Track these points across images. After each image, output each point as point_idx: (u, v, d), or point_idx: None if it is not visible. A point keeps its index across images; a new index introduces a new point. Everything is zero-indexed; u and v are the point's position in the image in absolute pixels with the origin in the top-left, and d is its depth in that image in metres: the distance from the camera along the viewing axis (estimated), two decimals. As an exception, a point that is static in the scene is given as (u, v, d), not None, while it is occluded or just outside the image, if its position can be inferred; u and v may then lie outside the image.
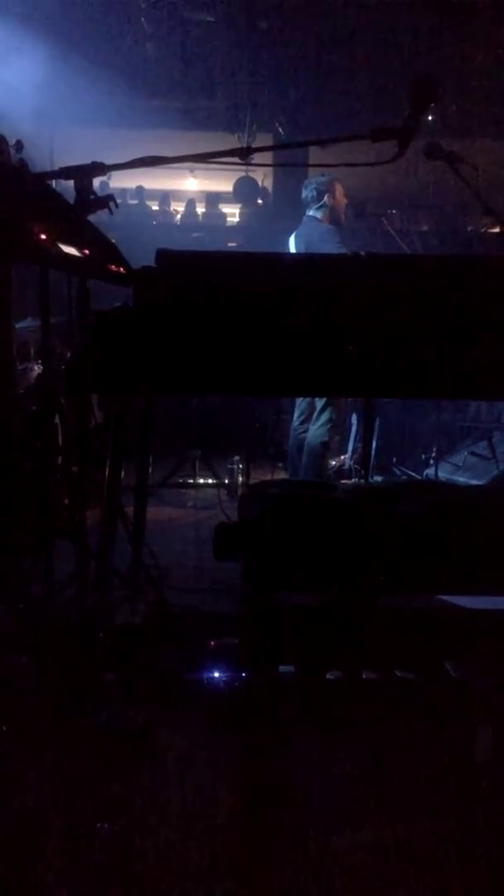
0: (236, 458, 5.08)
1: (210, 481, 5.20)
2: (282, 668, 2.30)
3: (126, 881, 1.59)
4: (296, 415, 4.66)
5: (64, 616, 2.35)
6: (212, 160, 2.07)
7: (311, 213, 4.45)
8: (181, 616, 2.77)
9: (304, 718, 2.08)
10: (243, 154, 2.09)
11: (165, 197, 9.89)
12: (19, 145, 2.73)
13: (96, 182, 2.08)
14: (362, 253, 2.08)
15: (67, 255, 2.14)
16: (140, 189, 9.55)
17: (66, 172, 2.04)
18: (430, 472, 4.92)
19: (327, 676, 2.24)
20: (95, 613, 2.17)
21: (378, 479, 4.94)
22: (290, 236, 4.55)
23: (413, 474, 5.11)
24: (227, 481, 5.06)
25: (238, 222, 9.38)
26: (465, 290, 1.97)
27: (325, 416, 4.40)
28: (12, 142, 2.74)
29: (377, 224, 5.28)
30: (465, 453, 4.96)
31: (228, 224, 9.47)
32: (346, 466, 5.27)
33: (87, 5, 6.44)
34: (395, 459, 5.31)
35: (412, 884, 1.60)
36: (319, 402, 4.43)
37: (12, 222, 2.03)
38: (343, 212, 4.49)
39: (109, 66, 6.80)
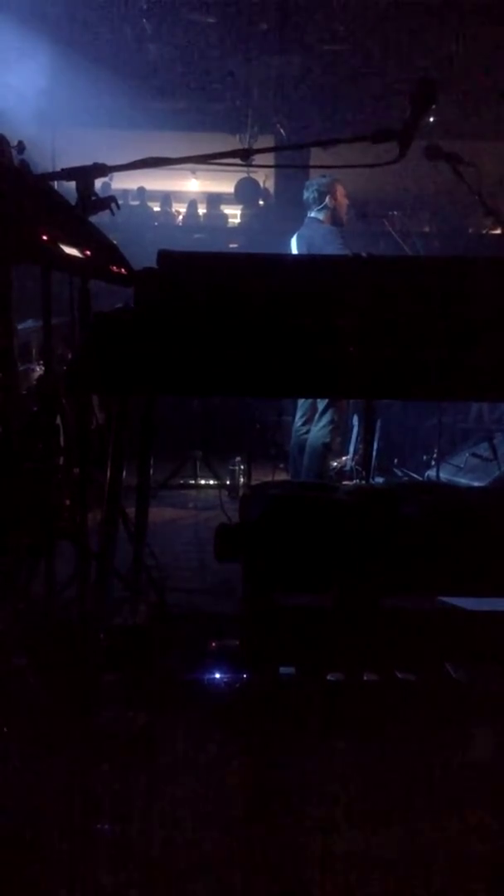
0: (237, 458, 5.08)
1: (211, 482, 5.20)
2: (282, 669, 2.30)
3: (126, 882, 1.59)
4: (297, 416, 4.66)
5: (64, 617, 2.35)
6: (213, 161, 2.07)
7: (312, 214, 4.46)
8: (182, 617, 2.77)
9: (304, 719, 2.08)
10: (245, 155, 2.09)
11: (167, 198, 9.90)
12: (21, 146, 2.73)
13: (98, 183, 2.08)
14: (364, 254, 2.08)
15: (69, 255, 2.14)
16: (141, 190, 9.55)
17: (67, 174, 2.04)
18: (431, 473, 4.92)
19: (328, 677, 2.23)
20: (96, 614, 2.17)
21: (379, 480, 4.94)
22: (291, 237, 4.55)
23: (414, 476, 5.11)
24: (228, 482, 5.06)
25: (239, 223, 9.39)
26: (467, 291, 1.97)
27: (326, 418, 4.40)
28: (14, 143, 2.74)
29: (379, 225, 5.28)
30: (467, 455, 4.96)
31: (230, 225, 9.48)
32: (348, 468, 5.27)
33: (89, 7, 6.45)
34: (396, 461, 5.31)
35: (412, 884, 1.60)
36: (321, 404, 4.43)
37: (14, 223, 2.03)
38: (345, 213, 4.49)
39: (111, 67, 6.81)
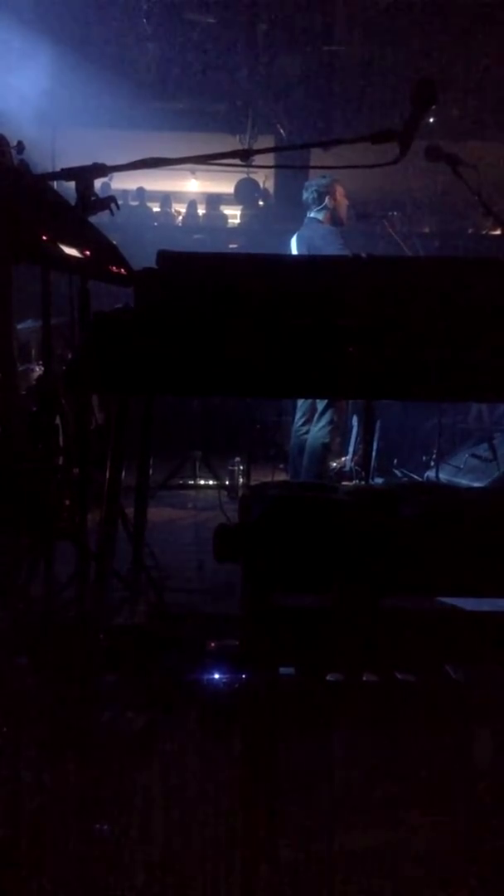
0: (237, 459, 5.08)
1: (210, 482, 5.20)
2: (282, 670, 2.30)
3: (125, 882, 1.59)
4: (297, 416, 4.66)
5: (64, 617, 2.35)
6: (213, 162, 2.06)
7: (312, 214, 4.46)
8: (181, 617, 2.77)
9: (304, 720, 2.08)
10: (244, 156, 2.08)
11: (167, 198, 9.90)
12: (21, 147, 2.73)
13: (98, 183, 2.08)
14: (363, 255, 2.08)
15: (68, 256, 2.14)
16: (141, 190, 9.55)
17: (67, 174, 2.04)
18: (430, 474, 4.92)
19: (328, 678, 2.23)
20: (95, 614, 2.17)
21: (379, 480, 4.94)
22: (291, 238, 4.55)
23: (414, 476, 5.11)
24: (227, 482, 5.06)
25: (239, 224, 9.39)
26: (467, 292, 1.97)
27: (326, 418, 4.40)
28: (14, 143, 2.74)
29: (378, 226, 5.28)
30: (466, 455, 4.96)
31: (230, 225, 9.48)
32: (347, 468, 5.27)
33: (89, 7, 6.45)
34: (395, 461, 5.31)
35: (412, 884, 1.60)
36: (321, 404, 4.43)
37: (14, 223, 2.04)
38: (345, 213, 4.49)
39: (111, 67, 6.82)
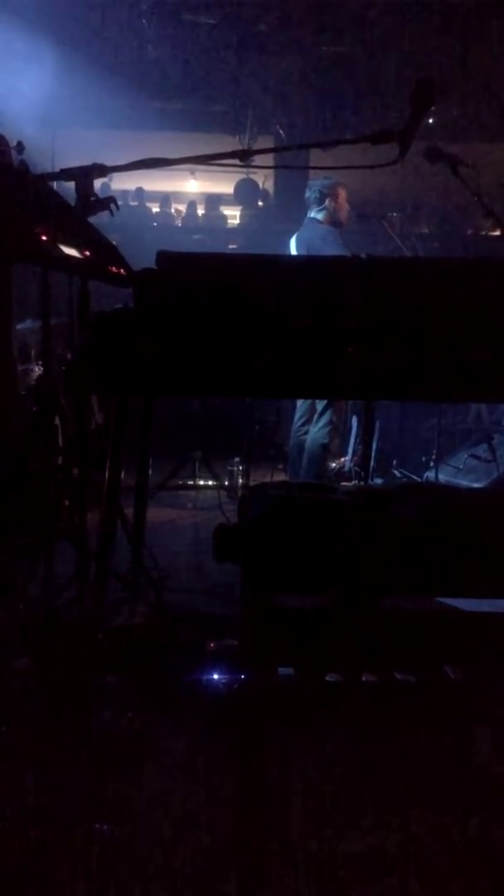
0: (236, 459, 5.08)
1: (210, 483, 5.20)
2: (281, 670, 2.30)
3: (125, 882, 1.59)
4: (296, 417, 4.67)
5: (63, 617, 2.35)
6: (213, 162, 2.07)
7: (312, 214, 4.46)
8: (180, 617, 2.77)
9: (303, 720, 2.08)
10: (244, 156, 2.09)
11: (166, 199, 9.90)
12: (20, 147, 2.73)
13: (97, 184, 2.08)
14: (363, 255, 2.08)
15: (68, 256, 2.14)
16: (140, 191, 9.56)
17: (67, 174, 2.04)
18: (430, 474, 4.92)
19: (327, 678, 2.23)
20: (95, 614, 2.17)
21: (378, 481, 4.94)
22: (290, 238, 4.56)
23: (413, 477, 5.11)
24: (227, 483, 5.06)
25: (239, 224, 9.39)
26: (466, 292, 1.97)
27: (325, 418, 4.41)
28: (14, 143, 2.74)
29: (378, 226, 5.28)
30: (466, 456, 4.96)
31: (229, 226, 9.48)
32: (347, 468, 5.28)
33: (88, 7, 6.45)
34: (395, 462, 5.31)
35: (412, 885, 1.60)
36: (320, 405, 4.43)
37: (13, 223, 2.04)
38: (346, 216, 4.49)
39: (110, 68, 6.81)
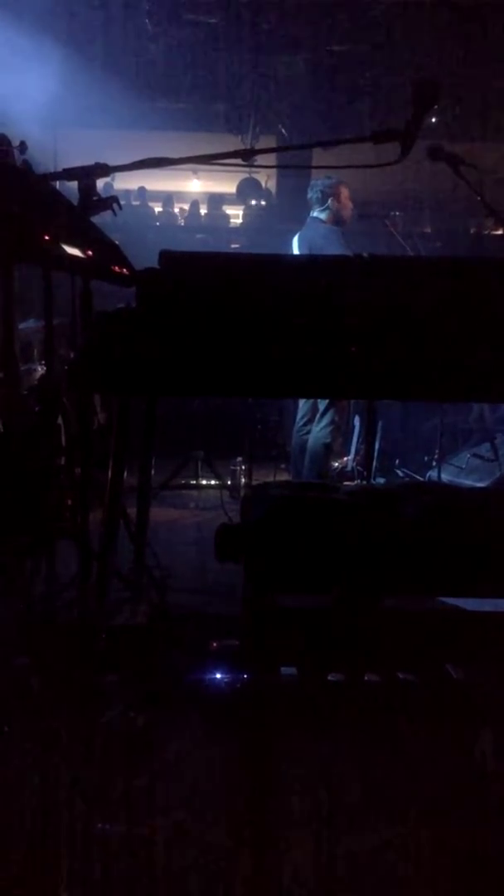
0: (239, 459, 5.08)
1: (212, 482, 5.20)
2: (283, 670, 2.30)
3: (127, 882, 1.59)
4: (299, 416, 4.66)
5: (66, 617, 2.35)
6: (215, 161, 2.06)
7: (314, 214, 4.46)
8: (183, 617, 2.77)
9: (305, 720, 2.08)
10: (246, 155, 2.09)
11: (169, 198, 9.90)
12: (23, 146, 2.73)
13: (100, 183, 2.08)
14: (365, 254, 2.08)
15: (71, 256, 2.14)
16: (143, 190, 9.56)
17: (69, 174, 2.04)
18: (432, 474, 4.91)
19: (329, 678, 2.23)
20: (97, 614, 2.17)
21: (380, 481, 4.94)
22: (293, 237, 4.55)
23: (416, 476, 5.10)
24: (229, 482, 5.05)
25: (241, 224, 9.39)
26: (468, 292, 1.97)
27: (327, 418, 4.40)
28: (16, 143, 2.74)
29: (380, 226, 5.27)
30: (468, 455, 4.95)
31: (231, 225, 9.48)
32: (349, 468, 5.27)
33: (91, 7, 6.46)
34: (397, 461, 5.30)
35: (413, 885, 1.60)
36: (322, 404, 4.43)
37: (16, 223, 2.04)
38: (348, 215, 4.49)
39: (113, 67, 6.82)
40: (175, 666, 2.40)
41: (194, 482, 5.27)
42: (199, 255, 2.15)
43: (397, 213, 6.48)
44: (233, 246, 7.97)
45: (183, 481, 5.21)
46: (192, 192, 10.25)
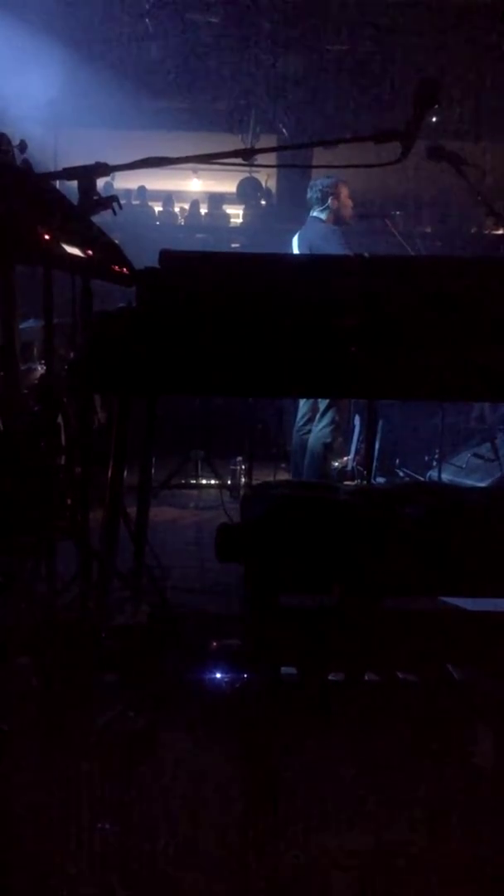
0: (239, 458, 5.08)
1: (213, 482, 5.20)
2: (284, 670, 2.30)
3: (127, 881, 1.59)
4: (299, 416, 4.66)
5: (66, 616, 2.35)
6: (215, 161, 2.06)
7: (314, 213, 4.46)
8: (183, 617, 2.77)
9: (305, 720, 2.08)
10: (247, 155, 2.09)
11: (169, 198, 9.90)
12: (23, 146, 2.73)
13: (100, 183, 2.08)
14: (365, 254, 2.08)
15: (71, 255, 2.14)
16: (143, 190, 9.55)
17: (69, 173, 2.04)
18: (433, 473, 4.91)
19: (329, 678, 2.23)
20: (97, 614, 2.17)
21: (381, 480, 4.94)
22: (293, 237, 4.55)
23: (416, 476, 5.10)
24: (229, 482, 5.05)
25: (241, 223, 9.39)
26: (468, 291, 1.97)
27: (328, 418, 4.40)
28: (16, 142, 2.74)
29: (380, 225, 5.27)
30: (469, 455, 4.95)
31: (232, 225, 9.48)
32: (349, 468, 5.27)
33: (91, 7, 6.45)
34: (398, 461, 5.30)
35: (413, 885, 1.60)
36: (322, 404, 4.43)
37: (16, 223, 2.03)
38: (349, 214, 4.49)
39: (113, 67, 6.82)
40: (175, 666, 2.40)
41: (194, 482, 5.27)
42: (199, 255, 2.14)
43: (397, 213, 6.48)
44: (233, 245, 7.97)
45: (183, 481, 5.21)
46: (192, 191, 10.25)
